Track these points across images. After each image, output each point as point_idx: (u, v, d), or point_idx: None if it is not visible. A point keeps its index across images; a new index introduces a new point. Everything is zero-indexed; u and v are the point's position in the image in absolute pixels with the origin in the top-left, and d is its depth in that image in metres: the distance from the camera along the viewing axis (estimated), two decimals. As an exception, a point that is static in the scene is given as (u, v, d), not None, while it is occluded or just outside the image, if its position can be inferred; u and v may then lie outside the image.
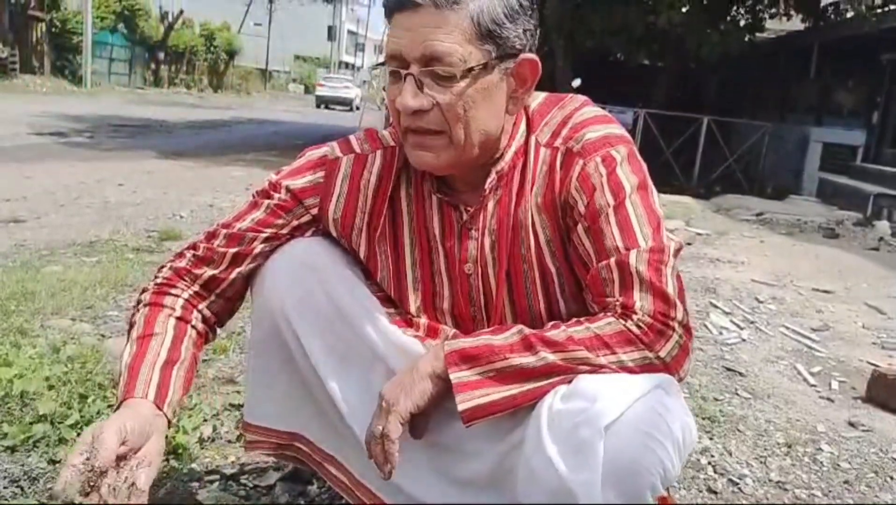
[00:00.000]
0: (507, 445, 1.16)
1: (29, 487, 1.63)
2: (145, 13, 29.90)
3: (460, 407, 1.08)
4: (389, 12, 1.16)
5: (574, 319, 1.13)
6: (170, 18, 31.77)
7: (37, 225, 4.66)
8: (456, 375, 1.09)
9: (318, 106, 32.89)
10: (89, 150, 9.10)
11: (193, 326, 1.31)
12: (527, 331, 1.11)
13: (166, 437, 1.77)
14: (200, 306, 1.33)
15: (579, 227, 1.19)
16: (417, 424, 1.17)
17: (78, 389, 2.04)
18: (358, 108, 28.67)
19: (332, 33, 48.30)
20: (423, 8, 1.10)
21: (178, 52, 32.58)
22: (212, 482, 1.74)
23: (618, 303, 1.11)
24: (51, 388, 2.04)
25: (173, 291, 1.31)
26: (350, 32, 55.96)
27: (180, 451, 1.80)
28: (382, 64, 1.22)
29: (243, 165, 9.01)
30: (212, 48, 35.04)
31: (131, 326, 1.29)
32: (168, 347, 1.24)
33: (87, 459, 1.01)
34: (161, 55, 31.20)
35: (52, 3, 23.80)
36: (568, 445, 1.01)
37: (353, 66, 57.30)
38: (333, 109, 31.85)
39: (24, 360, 2.19)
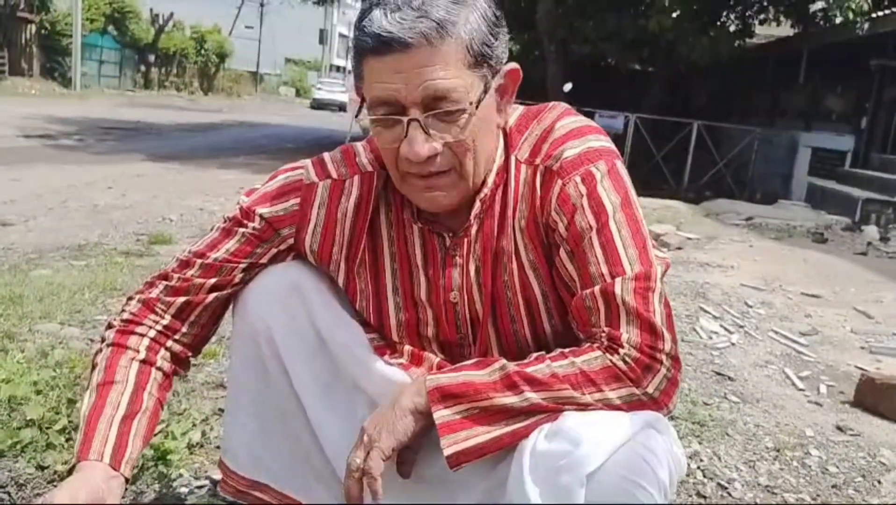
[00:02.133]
0: (493, 481, 1.14)
1: (16, 493, 1.63)
2: (135, 15, 29.79)
3: (446, 452, 1.05)
4: (367, 56, 1.07)
5: (559, 352, 1.09)
6: (160, 21, 31.63)
7: (25, 228, 4.64)
8: (439, 414, 1.05)
9: (314, 108, 34.72)
10: (78, 153, 9.06)
11: (159, 368, 1.25)
12: (510, 367, 1.06)
13: (154, 444, 1.79)
14: (169, 343, 1.26)
15: (562, 250, 1.15)
16: (405, 458, 1.14)
17: (66, 394, 2.03)
18: (343, 110, 31.37)
19: (323, 37, 48.16)
20: (413, 47, 1.03)
21: (169, 55, 32.46)
22: (200, 488, 1.73)
23: (604, 334, 1.07)
24: (39, 392, 2.03)
25: (139, 329, 1.25)
26: (341, 36, 55.86)
27: (169, 456, 1.79)
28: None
29: (234, 169, 8.99)
30: (202, 51, 34.93)
31: (93, 367, 1.24)
32: (129, 399, 1.18)
33: None
34: (151, 58, 31.08)
35: (41, 5, 23.68)
36: (549, 489, 0.99)
37: (345, 69, 57.23)
38: (331, 111, 33.72)
39: (12, 364, 2.18)
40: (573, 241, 1.13)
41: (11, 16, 22.56)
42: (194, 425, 1.99)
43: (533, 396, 1.04)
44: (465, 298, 1.23)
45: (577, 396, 1.04)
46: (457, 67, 1.06)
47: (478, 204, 1.18)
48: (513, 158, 1.19)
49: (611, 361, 1.05)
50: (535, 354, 1.11)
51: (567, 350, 1.09)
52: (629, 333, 1.06)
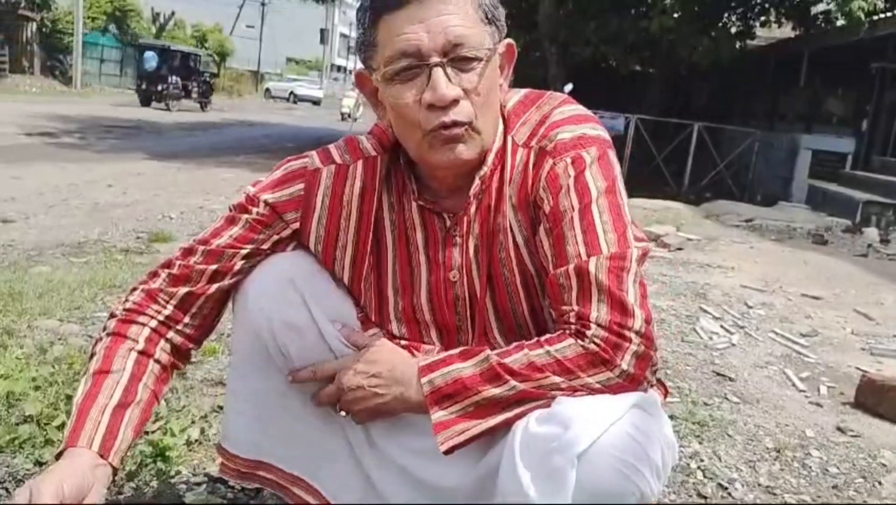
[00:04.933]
0: (486, 468, 1.16)
1: (14, 489, 1.62)
2: (137, 14, 29.86)
3: (442, 448, 1.08)
4: (384, 13, 1.11)
5: (535, 341, 1.10)
6: (161, 19, 31.69)
7: (25, 225, 4.64)
8: (437, 416, 1.09)
9: (293, 101, 38.49)
10: (79, 151, 9.07)
11: (157, 361, 1.24)
12: (493, 358, 1.08)
13: (153, 441, 1.78)
14: (170, 334, 1.26)
15: (542, 227, 1.17)
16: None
17: (65, 391, 2.02)
18: (317, 104, 36.32)
19: (324, 36, 48.20)
20: None
21: (170, 54, 32.45)
22: (199, 484, 1.73)
23: (573, 313, 1.08)
24: (37, 388, 2.03)
25: (140, 318, 1.25)
26: (342, 35, 55.91)
27: (168, 453, 1.79)
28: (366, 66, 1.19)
29: (234, 168, 8.99)
30: (203, 50, 34.96)
31: (92, 355, 1.24)
32: (123, 388, 1.18)
33: None
34: (152, 56, 31.05)
35: (42, 3, 23.71)
36: (540, 472, 0.99)
37: (345, 69, 57.27)
38: (306, 104, 37.83)
39: (11, 360, 2.18)
40: (554, 220, 1.15)
41: (12, 14, 22.59)
42: (193, 422, 1.98)
43: (519, 385, 1.06)
44: (464, 277, 1.24)
45: (559, 381, 1.05)
46: (472, 19, 1.12)
47: (477, 182, 1.20)
48: (509, 140, 1.22)
49: (582, 346, 1.06)
50: (514, 344, 1.12)
51: (543, 339, 1.10)
52: (599, 312, 1.07)
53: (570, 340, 1.07)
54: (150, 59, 21.79)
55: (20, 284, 3.06)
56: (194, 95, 22.98)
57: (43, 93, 21.40)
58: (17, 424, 1.84)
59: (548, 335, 1.11)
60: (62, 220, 4.89)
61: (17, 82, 21.66)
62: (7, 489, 1.62)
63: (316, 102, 38.09)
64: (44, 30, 23.90)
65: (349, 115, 22.54)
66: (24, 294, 2.93)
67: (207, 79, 23.83)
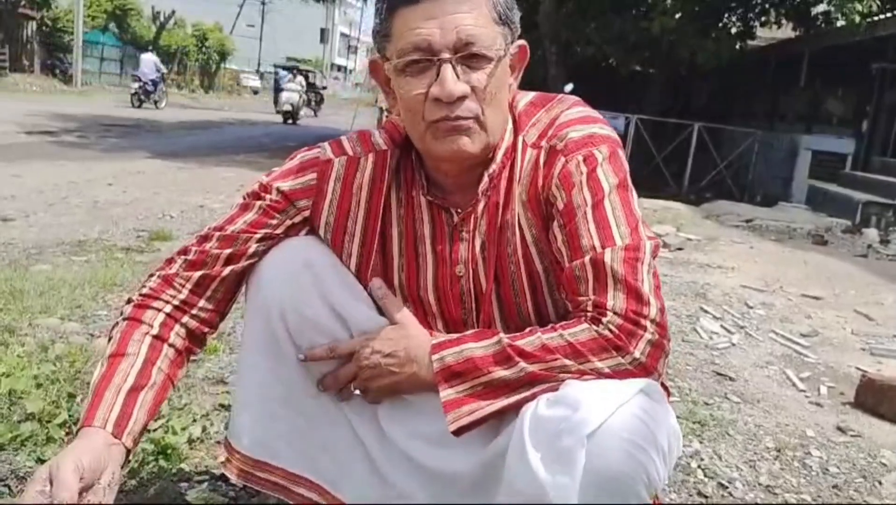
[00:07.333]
0: (492, 452, 1.17)
1: (16, 487, 1.62)
2: (137, 13, 29.85)
3: (451, 427, 1.10)
4: (399, 8, 1.14)
5: (550, 326, 1.12)
6: (161, 18, 31.67)
7: (25, 224, 4.64)
8: (445, 394, 1.11)
9: (255, 93, 40.25)
10: (79, 150, 9.07)
11: (171, 345, 1.26)
12: (505, 340, 1.11)
13: (155, 439, 1.79)
14: (185, 319, 1.28)
15: (555, 223, 1.19)
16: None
17: (66, 388, 2.03)
18: (256, 93, 38.59)
19: (324, 36, 48.21)
20: None
21: (170, 53, 32.46)
22: (201, 482, 1.73)
23: (590, 302, 1.10)
24: (39, 386, 2.03)
25: (156, 303, 1.27)
26: (343, 35, 55.90)
27: (169, 451, 1.79)
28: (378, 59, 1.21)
29: (234, 166, 8.99)
30: (203, 49, 34.96)
31: (109, 339, 1.26)
32: (138, 371, 1.20)
33: (48, 497, 1.00)
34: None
35: (42, 2, 23.69)
36: (549, 453, 1.00)
37: (346, 68, 57.30)
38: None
39: (13, 358, 2.18)
40: (567, 216, 1.17)
41: (12, 12, 22.56)
42: (195, 420, 1.99)
43: (528, 367, 1.08)
44: (470, 272, 1.27)
45: (568, 364, 1.07)
46: (485, 18, 1.14)
47: (486, 179, 1.23)
48: (520, 140, 1.24)
49: (596, 331, 1.08)
50: (528, 329, 1.14)
51: (557, 325, 1.12)
52: (615, 300, 1.09)
53: (585, 325, 1.09)
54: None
55: (21, 283, 3.07)
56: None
57: (43, 91, 21.37)
58: (19, 422, 1.84)
59: (563, 322, 1.13)
60: (62, 219, 4.88)
61: (18, 81, 21.61)
62: (9, 487, 1.62)
63: (255, 92, 39.80)
64: (44, 28, 23.87)
65: (291, 116, 20.62)
66: (24, 292, 2.93)
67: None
